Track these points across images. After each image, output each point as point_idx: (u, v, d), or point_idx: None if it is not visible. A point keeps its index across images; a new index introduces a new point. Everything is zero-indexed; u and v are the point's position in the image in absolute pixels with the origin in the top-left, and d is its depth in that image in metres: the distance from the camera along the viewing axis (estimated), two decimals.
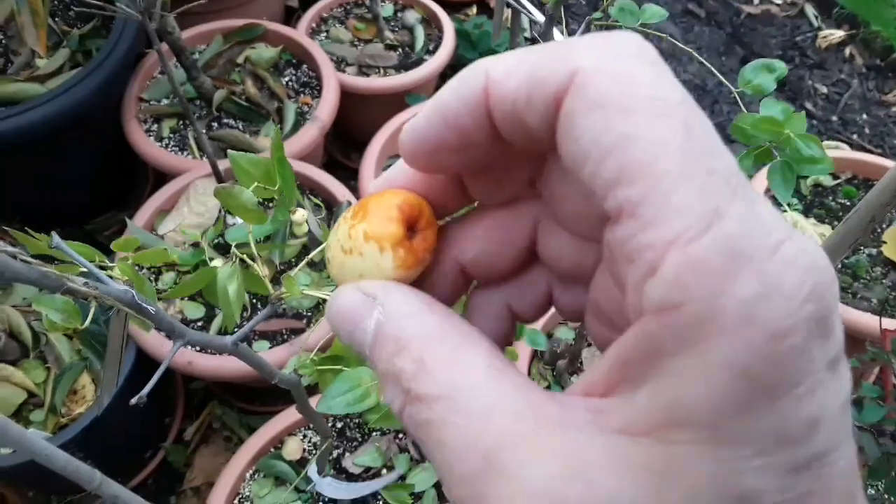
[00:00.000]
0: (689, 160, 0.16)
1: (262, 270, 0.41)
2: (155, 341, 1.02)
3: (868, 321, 1.06)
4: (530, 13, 0.59)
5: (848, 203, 1.24)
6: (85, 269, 0.35)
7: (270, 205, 0.91)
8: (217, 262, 0.48)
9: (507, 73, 0.19)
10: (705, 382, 0.15)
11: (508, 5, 0.63)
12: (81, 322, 0.35)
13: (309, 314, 1.10)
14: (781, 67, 0.49)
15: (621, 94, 0.17)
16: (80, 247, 0.39)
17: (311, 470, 0.72)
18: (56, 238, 0.33)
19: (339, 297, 0.22)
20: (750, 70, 0.50)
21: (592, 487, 0.16)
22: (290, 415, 1.01)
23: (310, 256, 0.47)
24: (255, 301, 1.10)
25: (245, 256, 0.45)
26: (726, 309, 0.15)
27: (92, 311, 0.34)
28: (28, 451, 0.35)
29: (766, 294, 0.15)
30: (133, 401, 0.35)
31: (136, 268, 0.50)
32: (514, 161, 0.23)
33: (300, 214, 0.41)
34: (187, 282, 0.49)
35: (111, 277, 0.42)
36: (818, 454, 0.16)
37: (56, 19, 1.38)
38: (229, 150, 0.48)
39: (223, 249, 1.14)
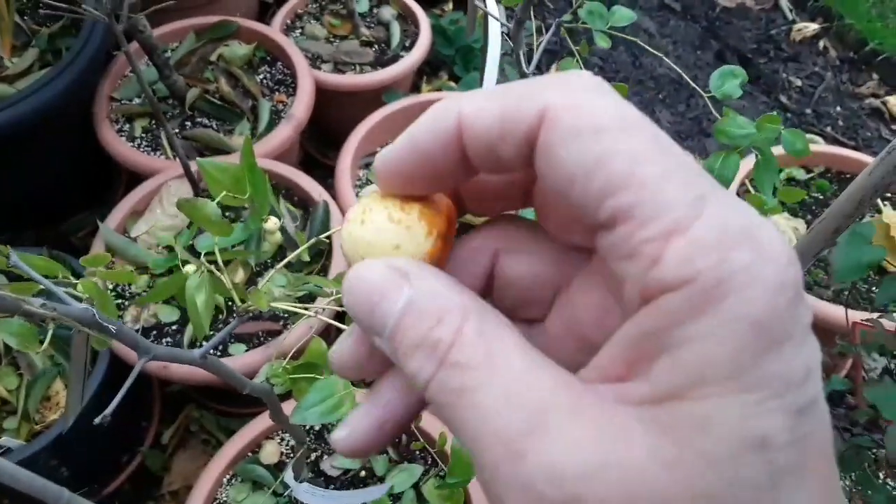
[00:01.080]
0: (664, 162, 0.19)
1: (229, 282, 0.40)
2: (125, 348, 1.01)
3: (837, 313, 1.06)
4: (495, 17, 0.59)
5: (821, 197, 1.25)
6: (43, 287, 0.34)
7: (246, 207, 0.89)
8: (190, 268, 0.48)
9: (478, 113, 0.21)
10: (722, 337, 0.17)
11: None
12: (38, 346, 0.35)
13: (286, 316, 1.10)
14: (743, 74, 0.51)
15: (591, 121, 0.19)
16: (42, 261, 0.38)
17: (288, 476, 0.71)
18: (14, 256, 0.32)
19: (367, 269, 0.23)
20: (718, 76, 0.51)
21: (631, 447, 0.18)
22: (267, 418, 1.00)
23: (287, 259, 0.46)
24: (230, 303, 1.09)
25: (213, 267, 0.44)
26: (732, 273, 0.17)
27: (50, 332, 0.33)
28: None
29: (761, 259, 0.18)
30: (97, 420, 0.34)
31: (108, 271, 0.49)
32: (504, 183, 0.25)
33: (273, 223, 0.41)
34: (159, 287, 0.48)
35: (76, 293, 0.42)
36: (813, 398, 0.18)
37: (25, 18, 1.35)
38: (198, 158, 0.47)
39: (198, 253, 1.12)
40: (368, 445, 0.24)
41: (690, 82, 0.58)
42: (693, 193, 0.18)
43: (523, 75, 0.55)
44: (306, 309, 0.51)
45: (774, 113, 0.46)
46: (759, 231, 0.18)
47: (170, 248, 1.15)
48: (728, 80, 0.49)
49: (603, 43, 0.53)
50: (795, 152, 0.48)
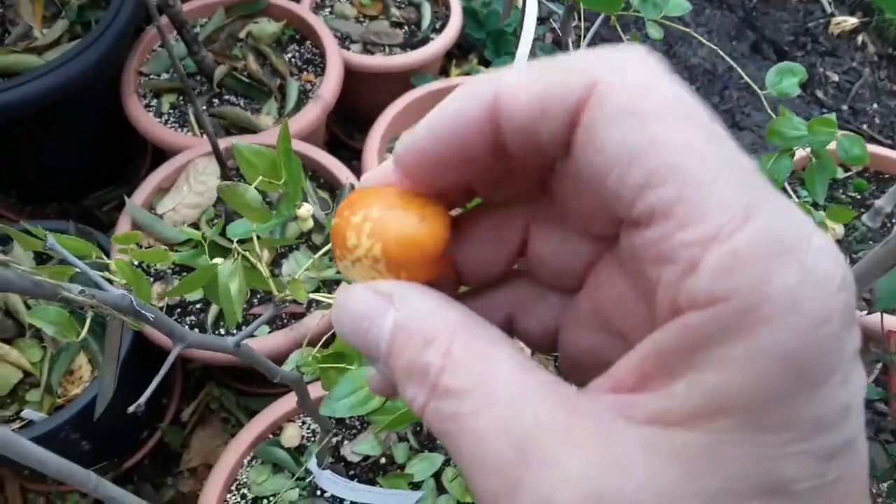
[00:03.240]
0: (716, 159, 0.17)
1: (266, 270, 0.39)
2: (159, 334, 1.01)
3: (871, 319, 1.04)
4: (549, 5, 0.57)
5: (859, 196, 1.22)
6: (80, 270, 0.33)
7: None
8: (218, 259, 0.47)
9: (519, 88, 0.19)
10: (750, 369, 0.16)
11: None
12: (77, 334, 0.34)
13: (309, 298, 1.09)
14: (802, 72, 0.49)
15: (642, 103, 0.18)
16: (76, 243, 0.37)
17: (311, 463, 0.71)
18: (51, 239, 0.31)
19: (351, 296, 0.22)
20: (775, 73, 0.48)
21: (630, 476, 0.16)
22: (289, 401, 1.00)
23: (316, 258, 0.45)
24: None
25: (247, 253, 0.43)
26: (770, 297, 0.15)
27: (88, 320, 0.32)
28: (22, 458, 0.34)
29: (807, 282, 0.16)
30: (131, 409, 0.33)
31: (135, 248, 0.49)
32: (522, 168, 0.23)
33: (305, 210, 0.40)
34: (189, 279, 0.47)
35: (108, 273, 0.41)
36: (848, 441, 0.16)
37: None
38: (234, 141, 0.46)
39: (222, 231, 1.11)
40: (393, 391, 0.23)
41: (745, 76, 0.56)
42: (743, 196, 0.16)
43: None
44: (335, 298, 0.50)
45: (827, 116, 0.44)
46: (811, 247, 0.16)
47: (195, 226, 1.14)
48: (786, 78, 0.47)
49: (656, 33, 0.51)
50: (852, 159, 0.46)
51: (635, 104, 0.18)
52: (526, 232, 0.25)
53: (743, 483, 0.16)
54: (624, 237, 0.19)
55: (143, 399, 0.34)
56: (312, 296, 0.47)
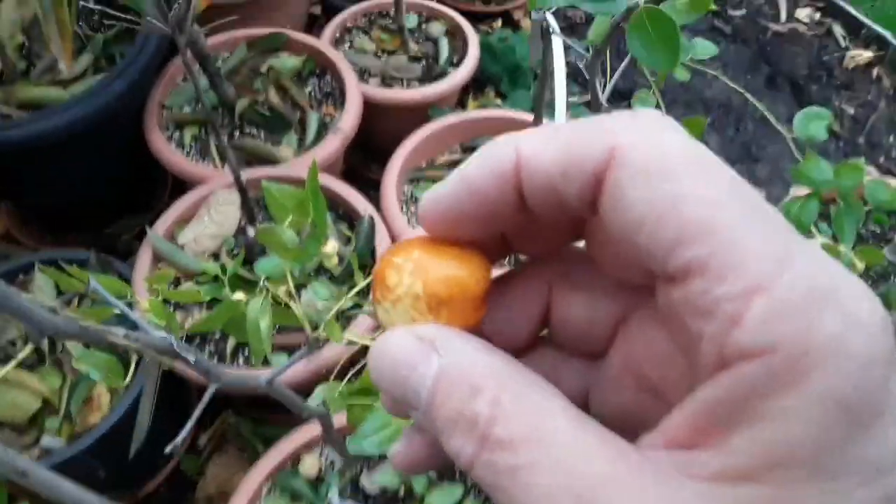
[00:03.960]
0: (743, 211, 0.17)
1: (299, 310, 0.40)
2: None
3: None
4: (572, 45, 0.58)
5: (878, 230, 1.22)
6: (118, 312, 0.34)
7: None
8: (239, 295, 0.47)
9: (540, 150, 0.20)
10: (807, 418, 0.16)
11: (545, 34, 0.62)
12: (123, 378, 0.34)
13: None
14: (828, 116, 0.50)
15: (664, 161, 0.18)
16: (114, 283, 0.38)
17: (333, 494, 0.71)
18: (93, 282, 0.32)
19: (389, 342, 0.21)
20: (803, 117, 0.49)
21: None
22: (308, 431, 1.00)
23: (365, 307, 0.46)
24: None
25: (280, 293, 0.44)
26: (818, 344, 0.16)
27: (133, 363, 0.33)
28: (63, 498, 0.34)
29: (851, 327, 0.16)
30: (168, 450, 0.34)
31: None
32: (550, 223, 0.23)
33: (331, 247, 0.41)
34: (213, 317, 0.48)
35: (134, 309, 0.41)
36: None
37: (80, 23, 1.38)
38: (263, 181, 0.47)
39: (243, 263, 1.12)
40: (421, 463, 0.23)
41: (771, 119, 0.56)
42: (777, 246, 0.17)
43: (597, 106, 0.54)
44: (373, 339, 0.50)
45: (855, 161, 0.45)
46: (849, 293, 0.17)
47: (215, 257, 1.15)
48: (813, 122, 0.48)
49: (682, 75, 0.52)
50: (879, 204, 0.47)
51: (658, 163, 0.18)
52: (549, 298, 0.25)
53: None
54: (660, 292, 0.20)
55: (178, 440, 0.34)
56: (357, 339, 0.47)
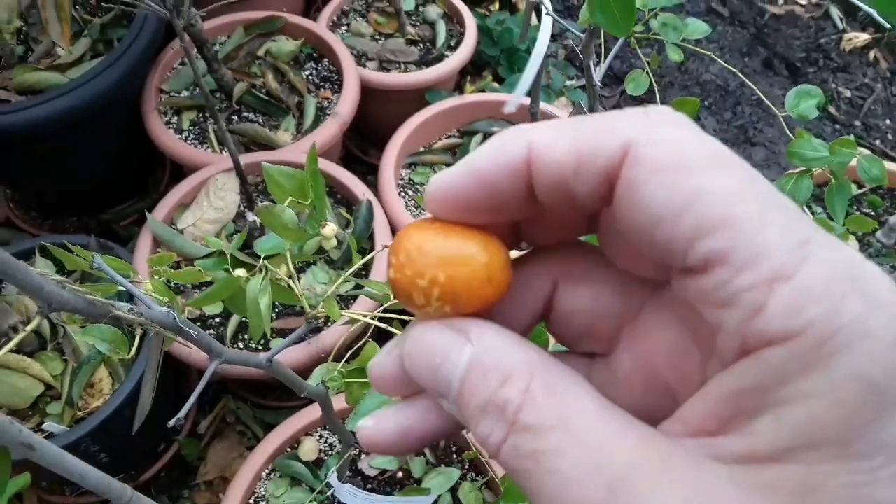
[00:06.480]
0: (760, 203, 0.18)
1: (299, 288, 0.41)
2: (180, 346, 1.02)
3: None
4: (568, 27, 0.58)
5: (873, 213, 1.23)
6: (123, 288, 0.35)
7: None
8: (240, 271, 0.48)
9: (551, 145, 0.20)
10: (835, 399, 0.16)
11: (538, 12, 0.62)
12: (128, 351, 0.35)
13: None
14: (819, 95, 0.50)
15: (680, 158, 0.18)
16: (118, 263, 0.38)
17: (332, 477, 0.72)
18: (98, 259, 0.32)
19: (426, 332, 0.22)
20: (794, 95, 0.50)
21: None
22: (307, 415, 1.01)
23: (352, 269, 0.46)
24: None
25: (279, 271, 0.44)
26: (844, 326, 0.16)
27: (138, 336, 0.33)
28: (65, 472, 0.35)
29: (874, 309, 0.16)
30: (171, 423, 0.34)
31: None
32: (560, 215, 0.23)
33: (329, 229, 0.41)
34: (211, 292, 0.48)
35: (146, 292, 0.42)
36: None
37: (77, 7, 1.37)
38: (263, 163, 0.47)
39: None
40: (388, 446, 0.23)
41: (759, 93, 0.57)
42: (795, 236, 0.17)
43: (592, 86, 0.54)
44: (365, 316, 0.51)
45: (847, 137, 0.45)
46: (868, 277, 0.17)
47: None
48: (804, 100, 0.48)
49: (676, 56, 0.52)
50: (871, 179, 0.47)
51: (674, 159, 0.18)
52: (551, 291, 0.25)
53: None
54: (676, 285, 0.20)
55: (181, 413, 0.35)
56: (352, 315, 0.48)
